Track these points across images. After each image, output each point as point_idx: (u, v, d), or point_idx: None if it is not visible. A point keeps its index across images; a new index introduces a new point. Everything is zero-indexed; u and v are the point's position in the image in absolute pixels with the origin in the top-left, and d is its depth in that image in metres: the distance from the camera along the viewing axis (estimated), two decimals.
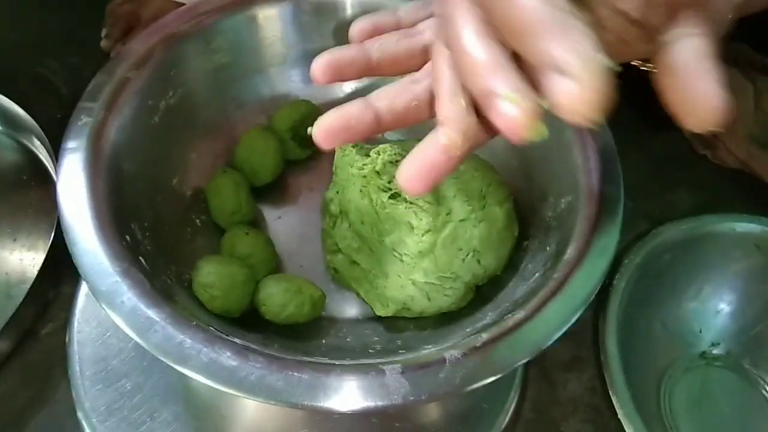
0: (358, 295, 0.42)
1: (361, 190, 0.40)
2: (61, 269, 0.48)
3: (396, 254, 0.40)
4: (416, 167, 0.23)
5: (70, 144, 0.37)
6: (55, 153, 0.50)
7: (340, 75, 0.27)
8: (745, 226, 0.50)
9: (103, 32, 0.62)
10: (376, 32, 0.28)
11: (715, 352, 0.50)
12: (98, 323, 0.45)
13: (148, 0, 0.62)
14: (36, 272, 0.45)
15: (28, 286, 0.44)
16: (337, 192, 0.43)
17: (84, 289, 0.46)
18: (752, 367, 0.49)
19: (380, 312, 0.41)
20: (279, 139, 0.46)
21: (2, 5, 0.68)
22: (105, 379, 0.42)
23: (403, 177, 0.24)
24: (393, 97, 0.25)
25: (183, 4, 0.45)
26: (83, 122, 0.38)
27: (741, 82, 0.56)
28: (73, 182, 0.35)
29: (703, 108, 0.22)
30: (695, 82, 0.23)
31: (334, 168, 0.44)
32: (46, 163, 0.54)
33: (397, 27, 0.29)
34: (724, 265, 0.50)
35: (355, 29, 0.29)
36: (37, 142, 0.54)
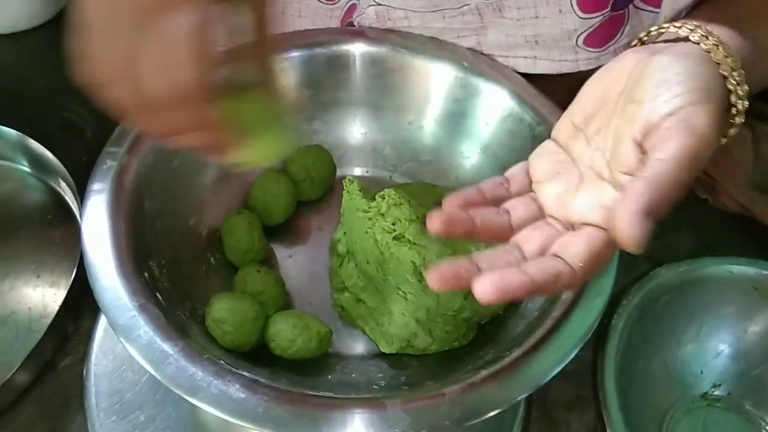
0: (363, 332, 0.44)
1: (366, 232, 0.42)
2: (81, 304, 0.50)
3: (400, 293, 0.41)
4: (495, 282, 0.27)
5: (96, 186, 0.39)
6: (80, 194, 0.52)
7: (452, 227, 0.32)
8: (740, 269, 0.50)
9: None
10: (465, 202, 0.34)
11: (716, 393, 0.50)
12: (114, 357, 0.46)
13: None
14: (57, 307, 0.47)
15: (49, 321, 0.46)
16: (345, 233, 0.45)
17: (102, 323, 0.48)
18: (754, 409, 0.50)
19: (385, 349, 0.42)
20: (292, 181, 0.48)
21: (31, 52, 0.71)
22: (119, 411, 0.44)
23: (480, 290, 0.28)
24: (492, 259, 0.31)
25: None
26: (108, 166, 0.40)
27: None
28: (96, 222, 0.38)
29: (620, 233, 0.26)
30: (618, 209, 0.26)
31: (341, 210, 0.46)
32: (71, 203, 0.57)
33: (483, 199, 0.34)
34: (722, 306, 0.51)
35: (449, 201, 0.34)
36: (63, 183, 0.57)
